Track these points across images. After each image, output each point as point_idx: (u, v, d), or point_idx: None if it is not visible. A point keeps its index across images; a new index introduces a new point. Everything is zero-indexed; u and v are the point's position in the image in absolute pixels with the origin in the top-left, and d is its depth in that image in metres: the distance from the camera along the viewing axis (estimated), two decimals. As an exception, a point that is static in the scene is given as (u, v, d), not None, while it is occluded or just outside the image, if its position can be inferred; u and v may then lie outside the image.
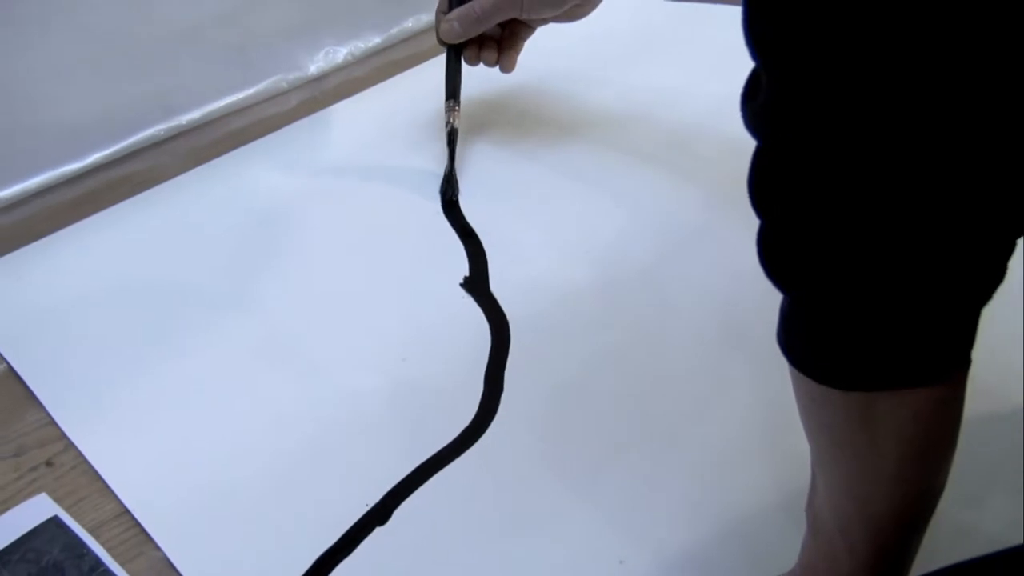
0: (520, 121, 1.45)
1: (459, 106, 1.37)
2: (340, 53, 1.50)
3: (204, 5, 1.52)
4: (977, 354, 0.81)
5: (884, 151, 0.71)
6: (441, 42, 1.34)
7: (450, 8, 1.30)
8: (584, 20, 1.32)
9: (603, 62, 1.52)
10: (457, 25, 1.29)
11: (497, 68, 1.36)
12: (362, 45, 1.51)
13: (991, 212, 0.75)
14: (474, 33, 1.31)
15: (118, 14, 1.49)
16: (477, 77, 1.40)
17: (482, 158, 1.40)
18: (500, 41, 1.34)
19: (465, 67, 1.36)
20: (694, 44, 1.29)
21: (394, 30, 1.53)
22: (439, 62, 1.47)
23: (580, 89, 1.49)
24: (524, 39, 1.34)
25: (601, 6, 1.31)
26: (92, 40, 1.46)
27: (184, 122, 1.40)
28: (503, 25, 1.32)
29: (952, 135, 0.70)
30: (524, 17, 1.30)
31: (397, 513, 1.05)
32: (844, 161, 0.73)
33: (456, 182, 1.36)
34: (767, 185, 0.77)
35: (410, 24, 1.54)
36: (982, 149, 0.71)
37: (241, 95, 1.44)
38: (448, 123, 1.37)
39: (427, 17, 1.55)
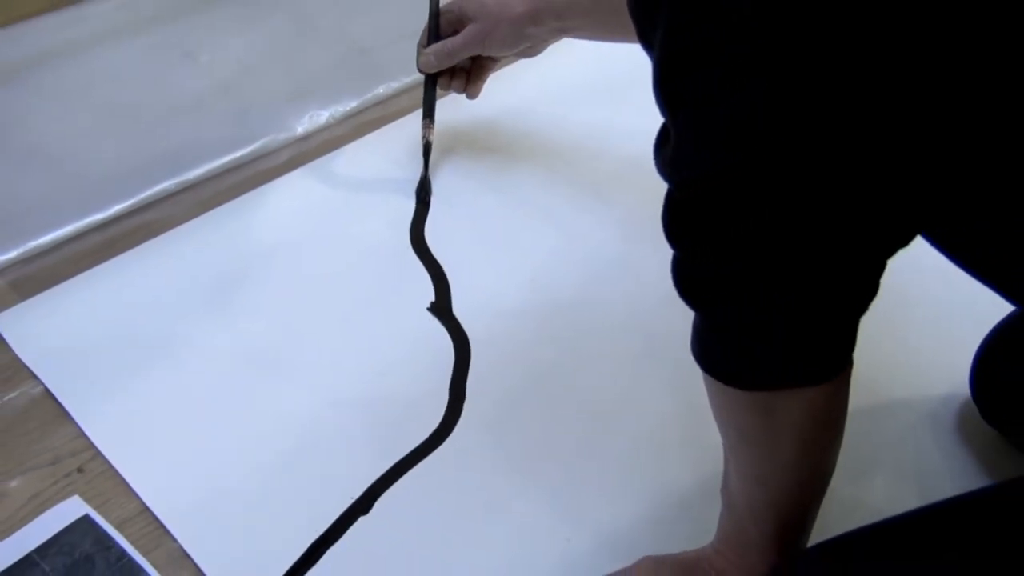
0: (487, 151, 1.45)
1: (433, 124, 1.39)
2: (323, 116, 1.49)
3: (207, 78, 1.52)
4: (861, 354, 0.82)
5: (771, 200, 0.72)
6: (420, 71, 1.35)
7: (428, 43, 1.33)
8: (552, 63, 1.36)
9: (564, 100, 1.51)
10: (433, 58, 1.32)
11: (465, 96, 1.38)
12: (341, 108, 1.51)
13: (863, 238, 0.75)
14: (446, 65, 1.33)
15: (135, 87, 1.50)
16: (452, 111, 1.42)
17: (450, 183, 1.40)
18: (469, 72, 1.36)
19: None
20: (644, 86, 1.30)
21: (368, 95, 1.53)
22: (407, 121, 1.49)
23: (541, 123, 1.48)
24: (489, 71, 1.36)
25: (564, 52, 1.34)
26: (113, 109, 1.47)
27: (191, 177, 1.40)
28: (472, 59, 1.34)
29: (821, 194, 0.71)
30: (486, 54, 1.32)
31: (377, 505, 1.05)
32: (738, 205, 0.73)
33: (430, 186, 1.38)
34: (676, 222, 0.78)
35: (381, 90, 1.54)
36: (850, 195, 0.72)
37: (239, 153, 1.43)
38: (424, 137, 1.39)
39: (396, 84, 1.55)
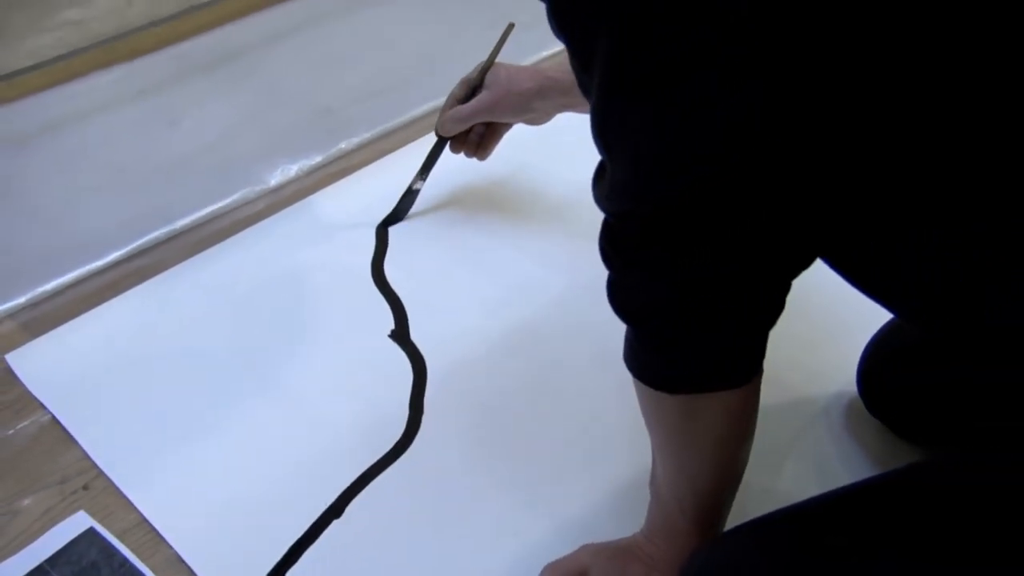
0: (444, 191, 1.43)
1: (425, 180, 1.36)
2: (292, 169, 1.49)
3: (190, 140, 1.53)
4: (774, 359, 0.83)
5: (687, 232, 0.72)
6: (438, 134, 1.32)
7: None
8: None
9: (543, 158, 1.46)
10: (449, 123, 1.28)
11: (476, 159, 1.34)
12: (308, 162, 1.50)
13: (770, 265, 0.76)
14: (460, 129, 1.28)
15: (128, 150, 1.50)
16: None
17: (409, 220, 1.40)
18: (483, 136, 1.31)
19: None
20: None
21: (332, 150, 1.52)
22: (368, 172, 1.49)
23: (514, 177, 1.46)
24: (500, 135, 1.31)
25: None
26: (109, 170, 1.47)
27: (179, 226, 1.39)
28: (486, 123, 1.29)
29: (722, 232, 0.72)
30: (495, 120, 1.28)
31: (348, 508, 1.04)
32: (661, 234, 0.74)
33: (399, 216, 1.38)
34: (610, 246, 0.78)
35: (343, 146, 1.53)
36: (754, 233, 0.72)
37: (220, 204, 1.42)
38: (412, 184, 1.36)
39: (356, 140, 1.54)
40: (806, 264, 0.77)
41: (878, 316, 0.87)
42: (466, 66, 1.31)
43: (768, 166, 0.69)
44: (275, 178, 1.47)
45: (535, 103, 1.23)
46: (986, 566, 0.70)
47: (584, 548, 0.97)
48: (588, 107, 0.72)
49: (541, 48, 1.69)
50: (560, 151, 1.35)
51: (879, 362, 1.09)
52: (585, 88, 0.72)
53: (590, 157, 0.76)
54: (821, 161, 0.69)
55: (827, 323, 1.17)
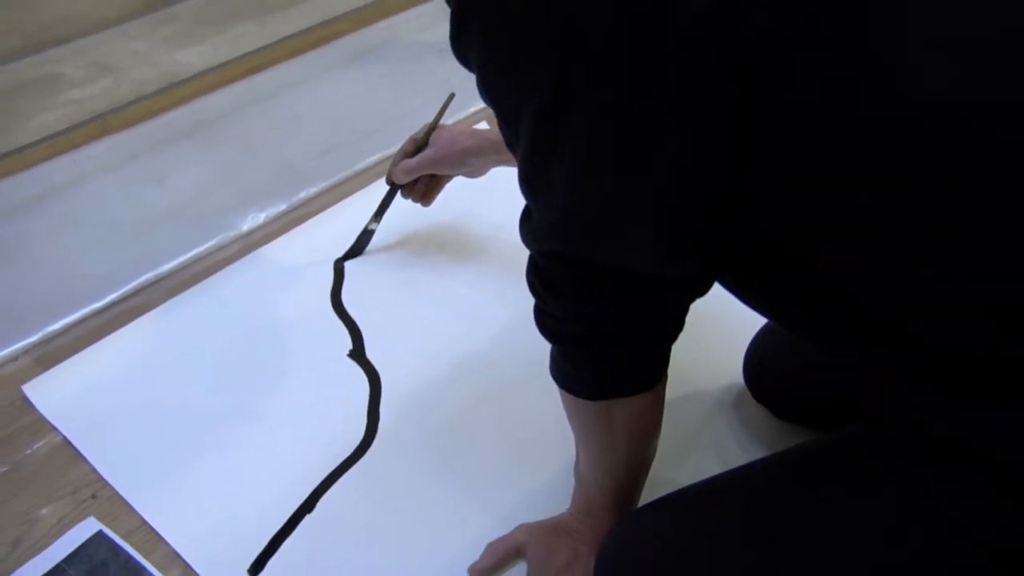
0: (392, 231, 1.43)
1: (379, 221, 1.37)
2: (261, 216, 1.49)
3: (175, 195, 1.53)
4: (671, 361, 0.84)
5: (601, 271, 0.73)
6: (388, 183, 1.31)
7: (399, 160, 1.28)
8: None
9: (480, 205, 1.46)
10: (401, 174, 1.27)
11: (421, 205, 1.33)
12: (274, 210, 1.50)
13: (673, 299, 0.78)
14: (407, 180, 1.28)
15: (119, 207, 1.50)
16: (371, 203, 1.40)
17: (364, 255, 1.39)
18: (427, 185, 1.30)
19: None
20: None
21: (294, 199, 1.52)
22: (325, 215, 1.49)
23: (455, 221, 1.45)
24: (442, 185, 1.31)
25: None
26: (104, 225, 1.47)
27: (165, 269, 1.38)
28: (430, 176, 1.29)
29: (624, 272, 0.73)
30: (436, 173, 1.28)
31: (319, 504, 1.05)
32: (578, 272, 0.75)
33: (357, 252, 1.38)
34: (536, 279, 0.79)
35: (303, 195, 1.53)
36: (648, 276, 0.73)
37: (200, 249, 1.42)
38: (367, 226, 1.37)
39: (315, 189, 1.54)
40: (705, 291, 0.78)
41: (757, 319, 0.89)
42: (407, 125, 1.31)
43: (681, 227, 0.69)
44: (246, 225, 1.47)
45: (472, 160, 1.23)
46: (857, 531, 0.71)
47: (520, 527, 0.98)
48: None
49: (469, 105, 1.72)
50: (494, 200, 1.35)
51: (761, 356, 1.11)
52: (512, 147, 0.72)
53: (518, 205, 0.77)
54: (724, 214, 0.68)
55: (715, 326, 1.18)
